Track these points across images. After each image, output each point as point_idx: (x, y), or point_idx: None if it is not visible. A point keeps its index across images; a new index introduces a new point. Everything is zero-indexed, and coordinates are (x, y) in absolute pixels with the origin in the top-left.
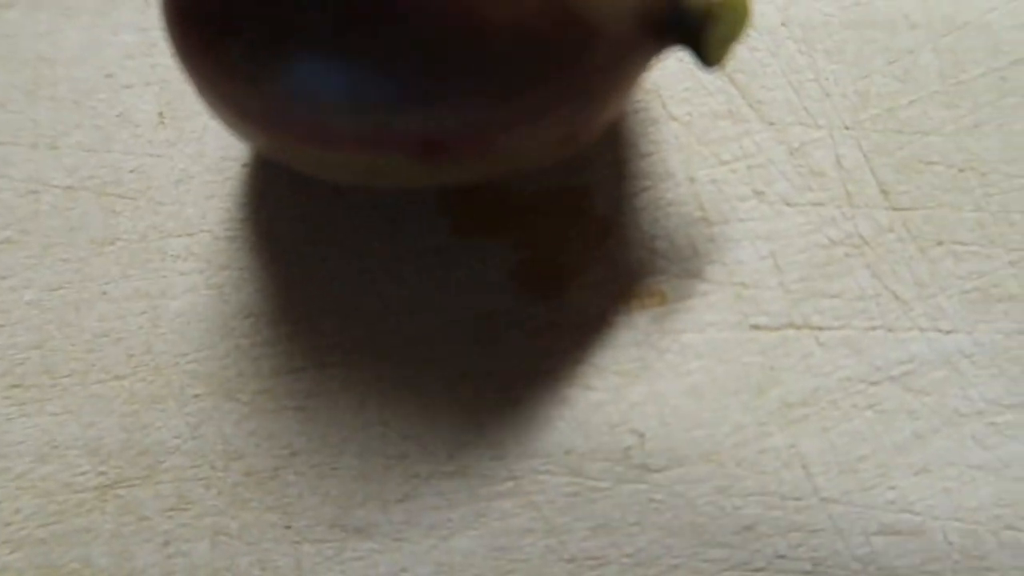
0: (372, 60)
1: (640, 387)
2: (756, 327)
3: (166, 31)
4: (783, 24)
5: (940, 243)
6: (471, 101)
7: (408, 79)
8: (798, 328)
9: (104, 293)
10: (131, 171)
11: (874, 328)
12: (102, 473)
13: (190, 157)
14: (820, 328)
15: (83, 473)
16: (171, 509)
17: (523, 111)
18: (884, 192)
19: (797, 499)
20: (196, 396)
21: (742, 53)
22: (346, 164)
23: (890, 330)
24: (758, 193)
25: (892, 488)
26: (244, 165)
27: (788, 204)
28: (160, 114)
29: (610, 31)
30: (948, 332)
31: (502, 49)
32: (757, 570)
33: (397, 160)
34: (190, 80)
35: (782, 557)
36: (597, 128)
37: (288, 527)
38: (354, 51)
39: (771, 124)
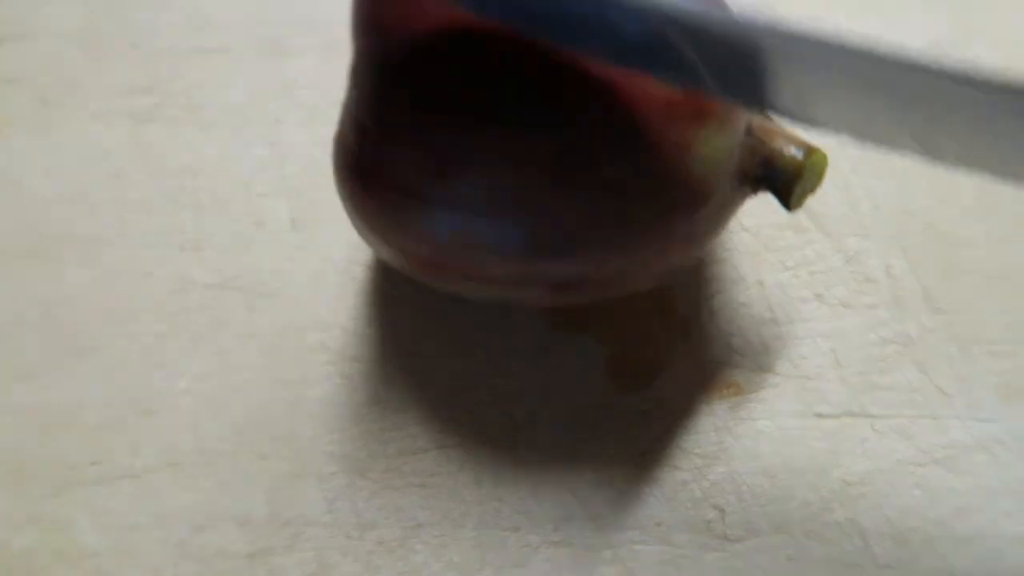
0: (530, 220)
1: (720, 467)
2: (819, 415)
3: (337, 178)
4: (836, 144)
5: (977, 342)
6: (605, 252)
7: (558, 235)
8: (855, 416)
9: (248, 383)
10: (269, 272)
11: (921, 417)
12: (251, 542)
13: (321, 259)
14: (875, 416)
15: (234, 542)
16: (312, 575)
17: (646, 256)
18: (928, 297)
19: (858, 566)
20: (332, 474)
21: None
22: (478, 291)
23: (935, 418)
24: (818, 296)
25: (939, 556)
26: (368, 268)
27: (845, 306)
28: (292, 220)
29: (719, 189)
30: (984, 421)
31: (636, 209)
32: None
33: (529, 294)
34: (351, 212)
35: None
36: (698, 258)
37: None
38: (514, 214)
39: (829, 235)
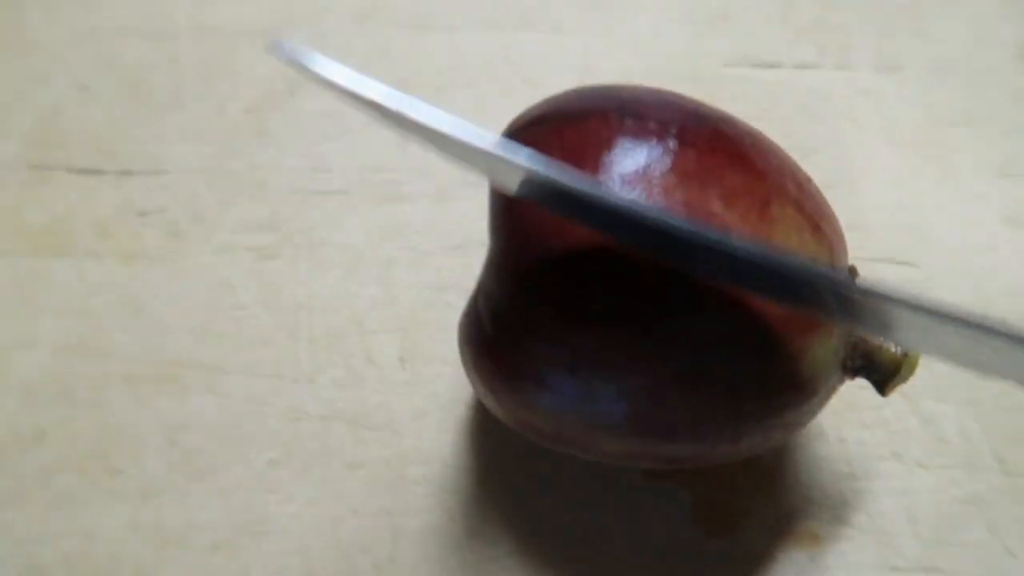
0: (649, 410)
1: None
2: (894, 568)
3: (467, 351)
4: None
5: None
6: (715, 439)
7: (673, 424)
8: (928, 571)
9: (354, 510)
10: (377, 406)
11: (989, 575)
12: None
13: (426, 396)
14: (946, 572)
15: None
16: None
17: (750, 441)
18: (999, 460)
19: None
20: None
21: None
22: (587, 458)
23: None
24: (895, 454)
25: None
26: (470, 406)
27: (920, 465)
28: (401, 358)
29: (825, 386)
30: None
31: (749, 406)
32: None
33: (636, 464)
34: (476, 381)
35: None
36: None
37: None
38: (635, 405)
39: (906, 397)
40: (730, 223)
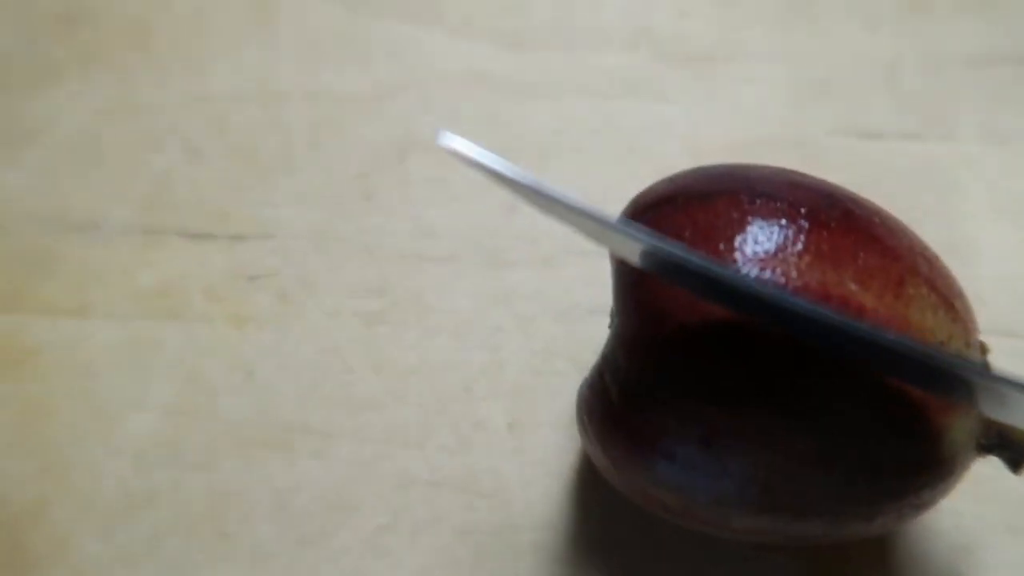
0: (784, 490)
1: None
2: None
3: (589, 422)
4: None
5: None
6: (849, 519)
7: (808, 505)
8: None
9: None
10: (485, 472)
11: None
12: None
13: (534, 463)
14: None
15: None
16: None
17: (884, 520)
18: None
19: None
20: None
21: None
22: (712, 534)
23: None
24: (1010, 528)
25: None
26: (578, 471)
27: None
28: (509, 424)
29: (963, 464)
30: None
31: (887, 486)
32: None
33: (764, 541)
34: (598, 454)
35: None
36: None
37: None
38: (769, 484)
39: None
40: (866, 304)
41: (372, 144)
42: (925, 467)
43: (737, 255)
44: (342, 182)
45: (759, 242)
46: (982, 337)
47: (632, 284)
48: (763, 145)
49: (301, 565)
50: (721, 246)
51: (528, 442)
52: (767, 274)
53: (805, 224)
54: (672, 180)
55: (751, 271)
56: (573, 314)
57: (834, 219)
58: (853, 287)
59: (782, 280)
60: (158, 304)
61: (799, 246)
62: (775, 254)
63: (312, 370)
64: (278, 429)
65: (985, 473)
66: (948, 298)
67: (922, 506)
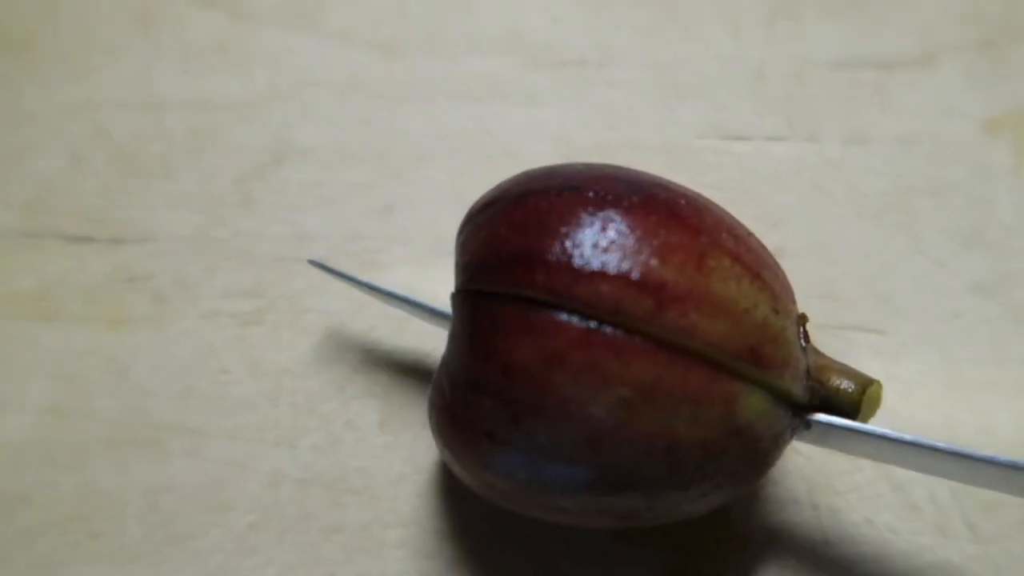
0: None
1: None
2: None
3: (431, 418)
4: (887, 379)
5: (1016, 572)
6: (664, 488)
7: (622, 476)
8: None
9: (332, 573)
10: (356, 470)
11: None
12: None
13: (404, 460)
14: None
15: None
16: None
17: (703, 489)
18: (969, 527)
19: None
20: None
21: None
22: (550, 518)
23: None
24: (867, 521)
25: None
26: (447, 472)
27: (892, 532)
28: (380, 423)
29: (767, 432)
30: None
31: (687, 452)
32: None
33: (596, 522)
34: (441, 446)
35: None
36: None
37: None
38: (582, 460)
39: (878, 464)
40: (666, 277)
41: (250, 150)
42: (720, 432)
43: (544, 243)
44: (220, 187)
45: (563, 228)
46: (842, 331)
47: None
48: (633, 147)
49: (169, 564)
50: (531, 238)
51: (399, 439)
52: (573, 255)
53: (608, 209)
54: (498, 186)
55: (558, 253)
56: (444, 314)
57: (636, 202)
58: (653, 262)
59: (588, 259)
60: (35, 306)
61: (599, 228)
62: (578, 238)
63: (187, 371)
64: (151, 429)
65: (842, 466)
66: (754, 269)
67: (736, 476)
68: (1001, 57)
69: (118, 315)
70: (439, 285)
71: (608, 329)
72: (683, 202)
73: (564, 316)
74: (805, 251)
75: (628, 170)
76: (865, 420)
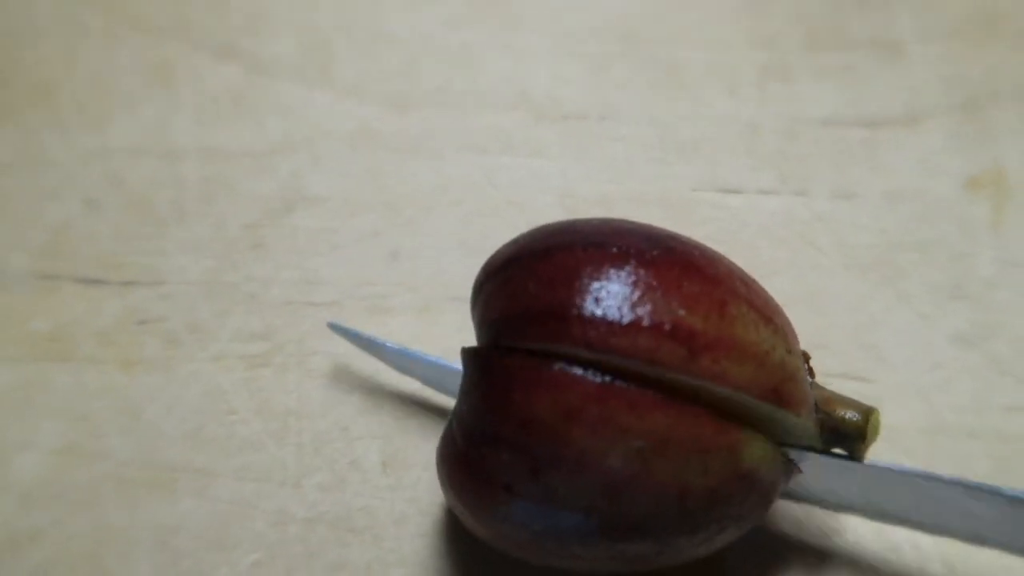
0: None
1: None
2: None
3: (442, 470)
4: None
5: None
6: (674, 535)
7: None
8: None
9: None
10: (359, 509)
11: None
12: None
13: (407, 501)
14: None
15: None
16: None
17: (710, 532)
18: (948, 568)
19: None
20: None
21: None
22: (559, 565)
23: None
24: (851, 564)
25: None
26: (449, 512)
27: (873, 572)
28: (383, 463)
29: (768, 475)
30: None
31: (697, 501)
32: None
33: (605, 567)
34: (452, 498)
35: None
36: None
37: None
38: (596, 509)
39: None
40: (695, 326)
41: (262, 197)
42: (727, 479)
43: (576, 298)
44: (232, 233)
45: (594, 283)
46: (829, 378)
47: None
48: (632, 199)
49: None
50: (562, 292)
51: (402, 481)
52: (602, 309)
53: (632, 263)
54: (515, 242)
55: (593, 310)
56: (448, 358)
57: (657, 256)
58: (681, 312)
59: (617, 313)
60: (49, 347)
61: (629, 282)
62: (610, 291)
63: (196, 412)
64: (162, 469)
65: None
66: (766, 314)
67: (741, 519)
68: (982, 119)
69: (130, 357)
70: (445, 330)
71: (622, 383)
72: (697, 253)
73: (579, 370)
74: (795, 301)
75: (641, 224)
76: (868, 447)
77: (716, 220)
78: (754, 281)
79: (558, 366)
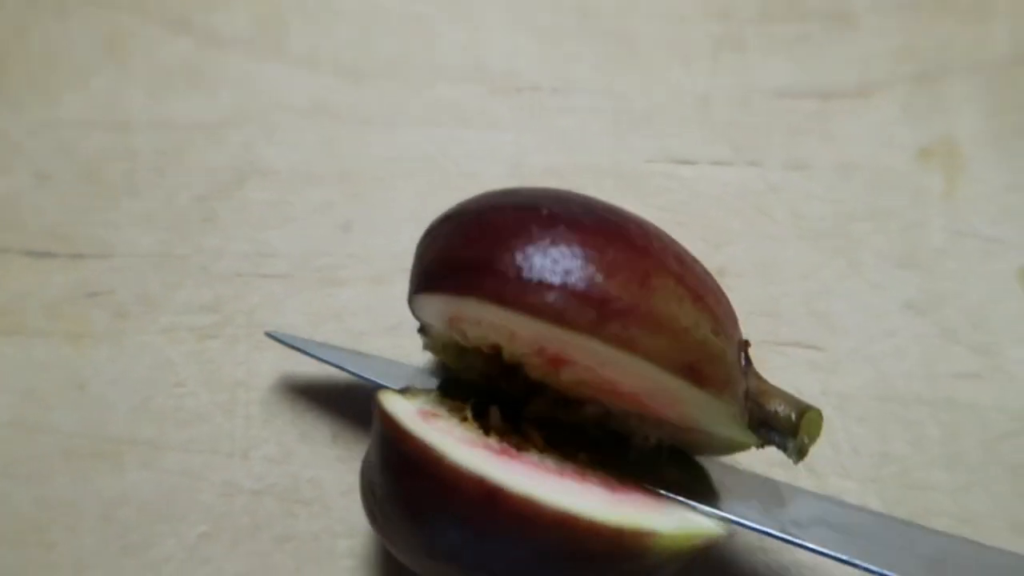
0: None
1: None
2: None
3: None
4: (823, 393)
5: None
6: None
7: None
8: None
9: None
10: (308, 481)
11: None
12: None
13: (355, 472)
14: None
15: None
16: None
17: None
18: None
19: None
20: None
21: None
22: None
23: None
24: None
25: None
26: None
27: None
28: (333, 436)
29: (672, 568)
30: None
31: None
32: None
33: None
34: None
35: None
36: None
37: None
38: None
39: (814, 472)
40: (611, 291)
41: (214, 170)
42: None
43: (496, 253)
44: (183, 205)
45: (517, 241)
46: (782, 347)
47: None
48: (585, 170)
49: (124, 574)
50: (484, 247)
51: (351, 452)
52: (528, 261)
53: (561, 227)
54: (459, 203)
55: (508, 266)
56: (401, 328)
57: (587, 223)
58: (598, 278)
59: (541, 268)
60: None
61: (552, 243)
62: (529, 250)
63: (144, 384)
64: (109, 442)
65: (778, 476)
66: (697, 292)
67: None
68: (934, 90)
69: (79, 329)
70: (397, 301)
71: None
72: (633, 227)
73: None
74: (748, 271)
75: (585, 196)
76: (804, 448)
77: (669, 191)
78: (697, 263)
79: (447, 461)
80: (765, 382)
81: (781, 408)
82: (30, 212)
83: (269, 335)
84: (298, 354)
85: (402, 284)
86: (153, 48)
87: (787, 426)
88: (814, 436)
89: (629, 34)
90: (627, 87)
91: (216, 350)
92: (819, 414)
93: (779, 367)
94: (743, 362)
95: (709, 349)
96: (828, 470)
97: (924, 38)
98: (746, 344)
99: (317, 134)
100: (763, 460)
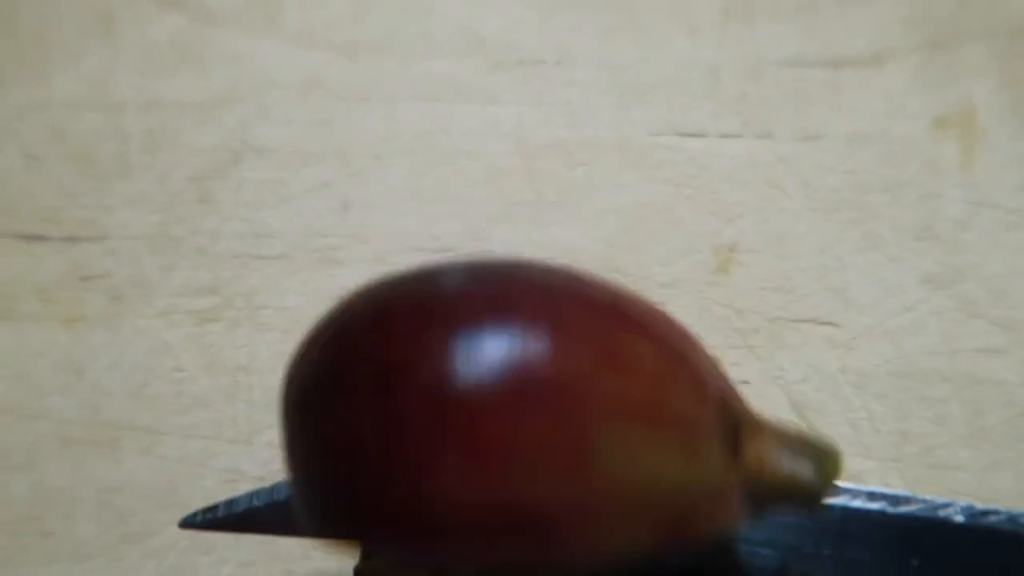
0: None
1: None
2: None
3: None
4: (841, 371)
5: None
6: None
7: None
8: None
9: (289, 571)
10: None
11: None
12: None
13: None
14: None
15: None
16: None
17: None
18: None
19: None
20: None
21: (808, 394)
22: None
23: None
24: None
25: None
26: None
27: None
28: None
29: None
30: None
31: None
32: None
33: None
34: None
35: None
36: None
37: None
38: None
39: None
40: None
41: (208, 149)
42: None
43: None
44: (177, 186)
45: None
46: (796, 324)
47: None
48: (589, 145)
49: (124, 563)
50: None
51: None
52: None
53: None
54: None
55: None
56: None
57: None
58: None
59: None
60: None
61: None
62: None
63: (142, 369)
64: (105, 428)
65: None
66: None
67: None
68: (948, 58)
69: (73, 313)
70: None
71: None
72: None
73: None
74: (760, 246)
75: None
76: (831, 485)
77: (676, 165)
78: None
79: None
80: (761, 447)
81: (797, 468)
82: (21, 195)
83: (185, 524)
84: (298, 336)
85: (402, 265)
86: (143, 25)
87: (810, 493)
88: (838, 472)
89: (633, 4)
90: (632, 59)
91: (216, 333)
92: (837, 455)
93: (794, 345)
94: (734, 450)
95: (686, 486)
96: (848, 450)
97: (938, 4)
98: (735, 417)
99: (312, 112)
100: None
